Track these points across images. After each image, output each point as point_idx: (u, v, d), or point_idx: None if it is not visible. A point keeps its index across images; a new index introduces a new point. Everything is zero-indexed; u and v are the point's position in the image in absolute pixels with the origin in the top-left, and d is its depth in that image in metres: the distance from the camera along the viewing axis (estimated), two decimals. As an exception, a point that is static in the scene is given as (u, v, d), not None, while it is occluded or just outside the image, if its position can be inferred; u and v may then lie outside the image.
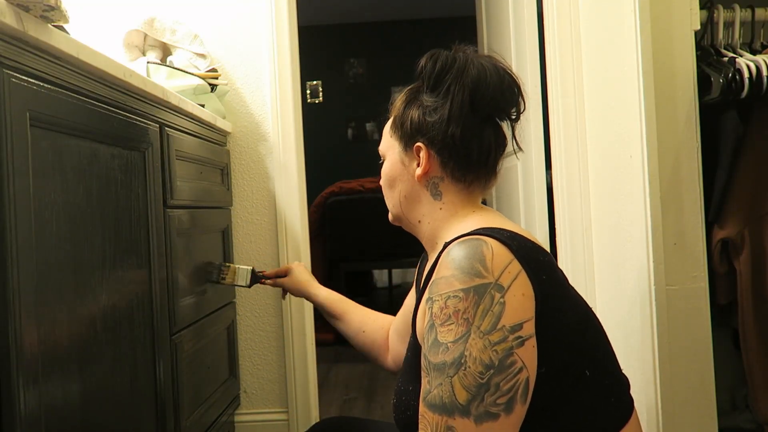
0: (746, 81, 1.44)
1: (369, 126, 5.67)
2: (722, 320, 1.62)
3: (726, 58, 1.50)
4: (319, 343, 2.01)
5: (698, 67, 1.45)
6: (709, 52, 1.54)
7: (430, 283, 0.80)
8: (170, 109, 1.36)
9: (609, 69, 1.55)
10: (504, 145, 0.96)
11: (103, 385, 0.98)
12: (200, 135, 1.60)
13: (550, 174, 1.90)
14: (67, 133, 0.89)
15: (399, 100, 0.99)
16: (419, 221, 0.97)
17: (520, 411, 0.73)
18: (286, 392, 1.93)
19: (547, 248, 1.73)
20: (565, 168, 1.81)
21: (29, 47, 0.81)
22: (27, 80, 0.79)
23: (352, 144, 5.67)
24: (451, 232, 0.90)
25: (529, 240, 0.83)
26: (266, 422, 1.92)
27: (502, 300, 0.74)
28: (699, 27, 1.44)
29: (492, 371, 0.72)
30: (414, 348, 0.89)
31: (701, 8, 1.48)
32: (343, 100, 5.65)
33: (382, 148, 1.02)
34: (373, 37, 5.64)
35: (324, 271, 3.45)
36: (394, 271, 4.97)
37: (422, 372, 0.78)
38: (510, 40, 2.19)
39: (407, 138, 0.96)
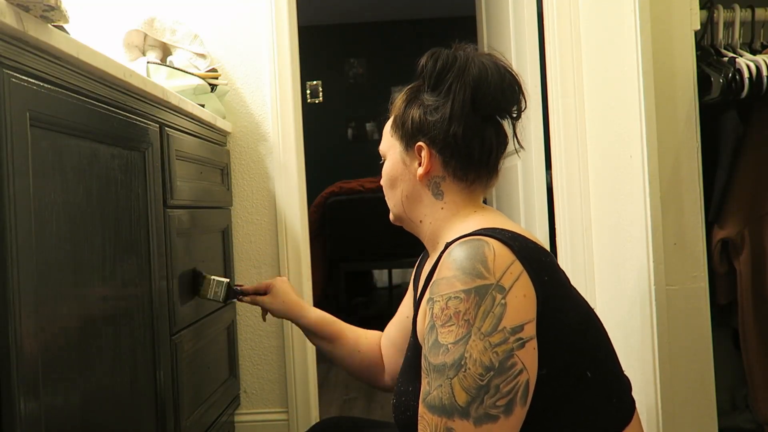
0: (746, 81, 1.44)
1: (369, 126, 5.67)
2: (722, 320, 1.62)
3: (726, 58, 1.49)
4: (319, 343, 2.01)
5: (698, 67, 1.45)
6: (709, 52, 1.54)
7: (431, 283, 0.79)
8: (170, 109, 1.36)
9: (609, 69, 1.55)
10: (505, 143, 0.96)
11: (103, 385, 0.98)
12: (200, 135, 1.60)
13: (550, 174, 1.90)
14: (67, 133, 0.89)
15: (399, 99, 0.99)
16: (421, 221, 0.97)
17: (520, 413, 0.73)
18: (286, 392, 1.93)
19: (547, 248, 1.73)
20: (565, 168, 1.81)
21: (29, 47, 0.81)
22: (27, 80, 0.79)
23: (352, 144, 5.67)
24: (453, 232, 0.90)
25: (531, 240, 0.83)
26: (266, 422, 1.92)
27: (503, 301, 0.73)
28: (699, 27, 1.44)
29: (492, 373, 0.71)
30: (414, 348, 0.89)
31: (701, 8, 1.48)
32: (343, 100, 5.65)
33: (383, 147, 1.02)
34: (373, 37, 5.64)
35: (324, 271, 3.45)
36: (394, 271, 4.97)
37: (422, 373, 0.78)
38: (510, 40, 2.19)
39: (408, 137, 0.95)
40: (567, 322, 0.79)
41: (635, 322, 1.41)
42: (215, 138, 1.78)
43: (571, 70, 1.78)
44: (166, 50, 1.85)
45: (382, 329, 1.26)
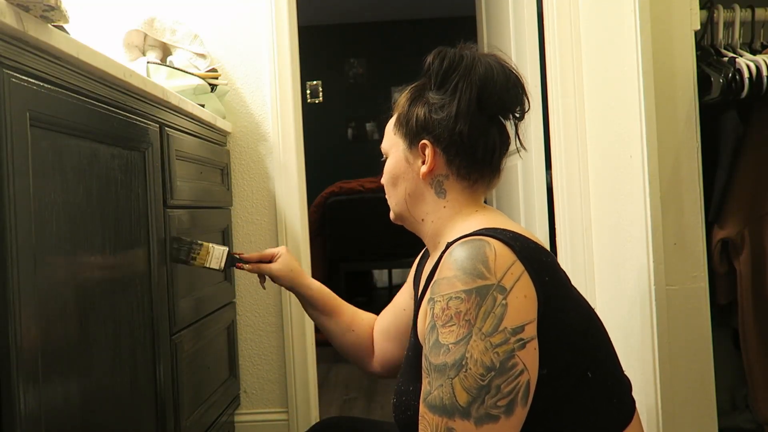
0: (746, 81, 1.44)
1: (369, 126, 5.67)
2: (722, 320, 1.62)
3: (726, 58, 1.50)
4: (319, 343, 2.00)
5: (698, 67, 1.45)
6: (709, 52, 1.54)
7: (432, 283, 0.79)
8: (170, 109, 1.36)
9: (609, 69, 1.55)
10: (507, 143, 0.96)
11: (103, 385, 0.98)
12: (200, 135, 1.60)
13: (550, 174, 1.90)
14: (67, 133, 0.89)
15: (403, 97, 0.99)
16: (422, 219, 0.97)
17: (521, 413, 0.73)
18: (286, 392, 1.93)
19: (548, 248, 1.73)
20: (565, 168, 1.81)
21: (29, 47, 0.81)
22: (27, 80, 0.79)
23: (352, 144, 5.66)
24: (454, 232, 0.90)
25: (532, 241, 0.83)
26: (266, 422, 1.91)
27: (504, 302, 0.73)
28: (699, 27, 1.44)
29: (493, 373, 0.71)
30: (415, 348, 0.89)
31: (701, 8, 1.49)
32: (343, 100, 5.65)
33: (385, 145, 1.01)
34: (373, 37, 5.64)
35: (324, 271, 3.44)
36: (394, 271, 4.97)
37: (423, 373, 0.78)
38: (510, 40, 2.19)
39: (412, 135, 0.95)
40: (568, 323, 0.79)
41: (635, 322, 1.41)
42: (215, 138, 1.78)
43: (571, 70, 1.78)
44: (166, 50, 1.85)
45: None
